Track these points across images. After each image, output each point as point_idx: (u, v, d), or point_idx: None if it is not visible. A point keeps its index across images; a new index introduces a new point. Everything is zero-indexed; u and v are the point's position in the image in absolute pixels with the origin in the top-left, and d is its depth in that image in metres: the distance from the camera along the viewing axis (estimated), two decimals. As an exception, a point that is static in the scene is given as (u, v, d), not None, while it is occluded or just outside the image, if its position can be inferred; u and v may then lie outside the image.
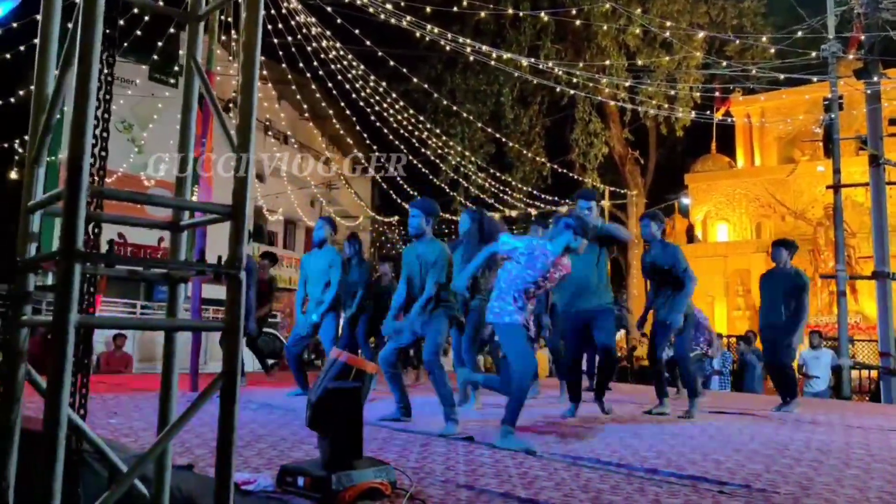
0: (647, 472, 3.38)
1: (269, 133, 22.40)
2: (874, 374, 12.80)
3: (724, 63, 18.24)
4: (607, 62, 20.01)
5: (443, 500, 2.74)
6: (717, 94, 21.11)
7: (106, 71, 1.83)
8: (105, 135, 1.88)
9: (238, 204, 1.62)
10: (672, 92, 20.85)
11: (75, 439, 1.90)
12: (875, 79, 12.59)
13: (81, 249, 1.62)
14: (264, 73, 13.97)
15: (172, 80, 18.11)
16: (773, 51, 16.13)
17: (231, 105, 15.44)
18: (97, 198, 1.77)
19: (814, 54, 12.96)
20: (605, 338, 5.53)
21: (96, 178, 1.81)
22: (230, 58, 12.46)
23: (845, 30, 13.42)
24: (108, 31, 1.70)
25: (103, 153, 1.87)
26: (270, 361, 11.97)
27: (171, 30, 11.39)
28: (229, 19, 8.83)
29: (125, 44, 10.08)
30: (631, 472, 3.39)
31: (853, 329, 15.75)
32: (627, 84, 19.11)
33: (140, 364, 11.21)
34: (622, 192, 22.90)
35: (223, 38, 8.69)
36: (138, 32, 9.97)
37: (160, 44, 10.59)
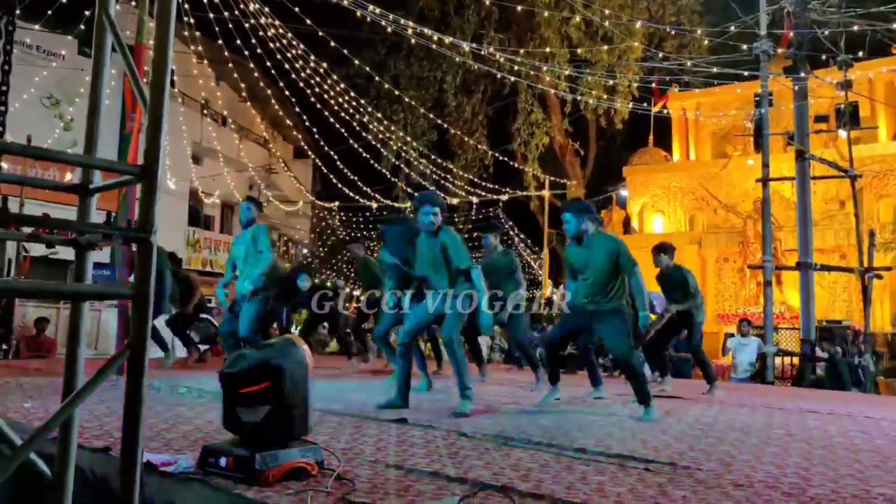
0: (575, 452, 3.41)
1: (206, 113, 21.76)
2: (796, 360, 13.31)
3: (661, 55, 18.62)
4: (548, 49, 20.18)
5: (371, 479, 2.70)
6: (654, 85, 21.55)
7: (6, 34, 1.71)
8: (3, 99, 1.76)
9: (149, 164, 1.52)
10: (611, 83, 21.19)
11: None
12: (802, 76, 13.05)
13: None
14: (200, 49, 13.51)
15: (104, 55, 17.28)
16: (706, 43, 16.55)
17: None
18: (-6, 155, 1.65)
19: (745, 47, 13.32)
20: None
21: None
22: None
23: (776, 28, 13.84)
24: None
25: (0, 117, 1.75)
26: (203, 347, 11.61)
27: (100, -1, 10.83)
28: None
29: (49, 12, 9.57)
30: (561, 452, 3.41)
31: (778, 318, 16.32)
32: (567, 73, 19.32)
33: (65, 349, 10.78)
34: (562, 182, 23.18)
35: (155, 10, 8.33)
36: (63, 0, 9.48)
37: (87, 13, 10.07)
